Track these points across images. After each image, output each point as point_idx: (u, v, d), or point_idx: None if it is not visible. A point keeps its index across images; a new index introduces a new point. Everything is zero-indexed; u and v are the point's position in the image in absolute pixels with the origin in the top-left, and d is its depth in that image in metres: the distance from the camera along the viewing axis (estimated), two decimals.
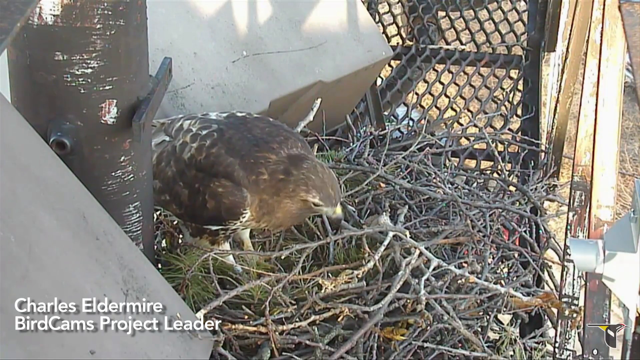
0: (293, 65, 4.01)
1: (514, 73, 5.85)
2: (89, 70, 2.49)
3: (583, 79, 3.20)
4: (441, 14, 6.29)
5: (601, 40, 2.97)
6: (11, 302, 1.90)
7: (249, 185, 3.03)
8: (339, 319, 3.11)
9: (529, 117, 5.38)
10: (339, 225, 3.23)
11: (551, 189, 4.42)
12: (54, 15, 2.40)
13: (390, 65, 5.87)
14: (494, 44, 6.02)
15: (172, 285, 2.90)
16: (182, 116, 3.32)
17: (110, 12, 2.45)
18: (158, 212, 3.40)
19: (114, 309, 2.25)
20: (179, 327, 2.54)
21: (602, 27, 2.95)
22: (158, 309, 2.47)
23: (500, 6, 6.32)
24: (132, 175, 2.75)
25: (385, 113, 5.54)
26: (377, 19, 6.08)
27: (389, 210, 3.60)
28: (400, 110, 5.88)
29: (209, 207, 3.07)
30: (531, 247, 3.93)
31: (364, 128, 4.58)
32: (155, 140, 3.25)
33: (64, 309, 2.07)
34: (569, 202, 3.24)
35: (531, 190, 4.17)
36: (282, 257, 3.21)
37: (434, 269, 3.21)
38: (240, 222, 3.08)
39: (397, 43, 6.13)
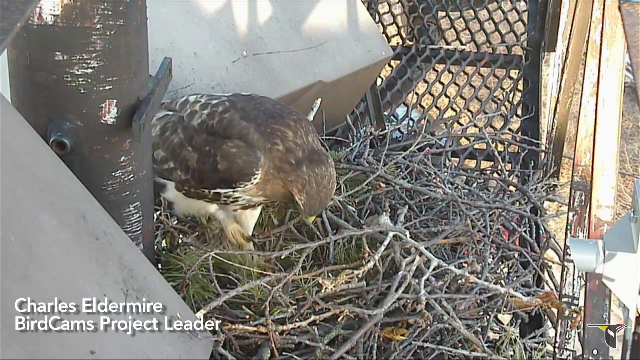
0: (293, 65, 4.00)
1: (514, 73, 5.84)
2: (89, 70, 2.49)
3: (583, 79, 3.20)
4: (441, 14, 6.28)
5: (601, 40, 2.97)
6: (11, 302, 1.90)
7: (263, 149, 3.04)
8: (339, 319, 3.11)
9: (529, 117, 5.38)
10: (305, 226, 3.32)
11: (551, 189, 4.42)
12: (54, 15, 2.40)
13: (390, 65, 5.87)
14: (494, 44, 6.01)
15: (172, 285, 2.90)
16: (186, 93, 3.34)
17: (110, 12, 2.45)
18: (158, 212, 3.40)
19: (114, 309, 2.25)
20: (179, 327, 2.54)
21: (602, 27, 2.95)
22: (158, 309, 2.47)
23: (500, 6, 6.32)
24: (132, 175, 2.75)
25: (385, 113, 5.54)
26: (377, 19, 6.07)
27: (389, 210, 3.60)
28: (400, 110, 5.88)
29: (220, 168, 3.06)
30: (531, 247, 3.93)
31: (364, 128, 4.58)
32: (157, 116, 3.23)
33: (64, 309, 2.07)
34: (569, 202, 3.24)
35: (531, 190, 4.16)
36: (282, 257, 3.21)
37: (434, 269, 3.21)
38: (251, 183, 3.07)
39: (397, 43, 6.13)
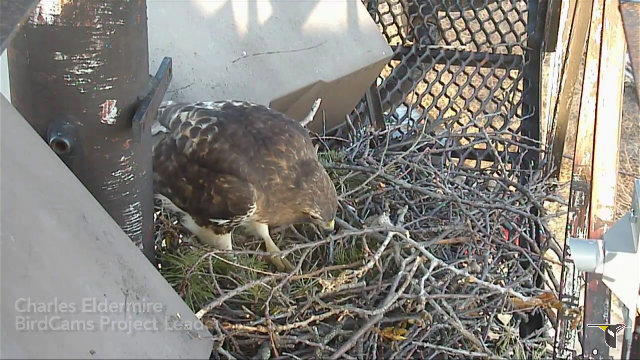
0: (293, 65, 4.00)
1: (514, 73, 5.85)
2: (89, 70, 2.49)
3: (583, 79, 3.20)
4: (441, 14, 6.29)
5: (601, 40, 2.97)
6: (11, 302, 1.90)
7: (256, 182, 3.03)
8: (339, 319, 3.11)
9: (529, 117, 5.38)
10: (328, 233, 3.31)
11: (551, 189, 4.42)
12: (54, 15, 2.40)
13: (390, 65, 5.87)
14: (494, 44, 6.02)
15: (172, 285, 2.90)
16: (177, 105, 3.29)
17: (110, 12, 2.45)
18: (158, 212, 3.40)
19: (114, 309, 2.25)
20: (179, 327, 2.54)
21: (602, 27, 2.95)
22: (158, 309, 2.47)
23: (500, 6, 6.32)
24: (132, 175, 2.75)
25: (385, 113, 5.54)
26: (377, 19, 6.08)
27: (389, 210, 3.60)
28: (400, 110, 5.88)
29: (214, 202, 3.07)
30: (531, 247, 3.93)
31: (364, 128, 4.58)
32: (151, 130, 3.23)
33: (64, 309, 2.07)
34: (569, 202, 3.24)
35: (531, 190, 4.16)
36: (282, 257, 3.21)
37: (434, 269, 3.21)
38: (247, 216, 3.09)
39: (397, 43, 6.14)
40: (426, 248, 3.32)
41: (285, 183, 3.05)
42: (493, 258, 3.69)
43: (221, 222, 3.14)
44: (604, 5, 2.95)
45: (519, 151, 4.97)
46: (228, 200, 3.04)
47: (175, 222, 3.52)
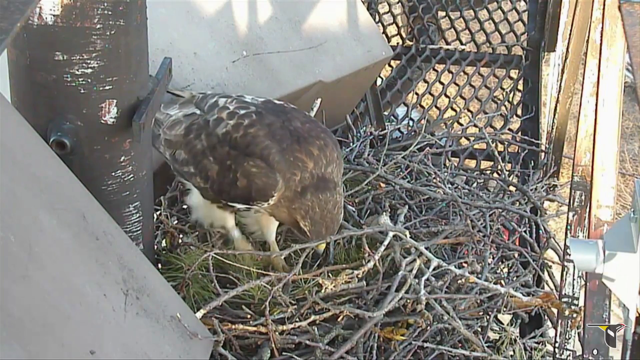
0: (293, 65, 4.00)
1: (514, 73, 5.85)
2: (89, 70, 2.49)
3: (583, 79, 3.20)
4: (441, 14, 6.29)
5: (601, 40, 2.97)
6: (11, 302, 1.90)
7: (283, 172, 3.02)
8: (339, 319, 3.10)
9: (529, 117, 5.38)
10: (318, 256, 3.28)
11: (551, 189, 4.42)
12: (54, 15, 2.40)
13: (390, 65, 5.87)
14: (494, 44, 6.02)
15: (172, 285, 2.90)
16: (216, 93, 3.29)
17: (110, 12, 2.45)
18: (158, 212, 3.40)
19: (114, 309, 2.25)
20: (179, 327, 2.54)
21: (602, 27, 2.95)
22: (158, 309, 2.48)
23: (500, 6, 6.32)
24: (132, 175, 2.75)
25: (385, 113, 5.54)
26: (377, 19, 6.08)
27: (389, 210, 3.59)
28: (400, 110, 5.88)
29: (239, 185, 3.06)
30: (531, 247, 3.93)
31: (364, 128, 4.58)
32: (184, 111, 3.22)
33: (64, 309, 2.07)
34: (569, 202, 3.24)
35: (531, 190, 4.16)
36: (282, 257, 3.21)
37: (434, 269, 3.21)
38: (268, 203, 3.07)
39: (397, 43, 6.14)
40: (426, 248, 3.32)
41: (299, 183, 3.04)
42: (493, 258, 3.69)
43: (239, 206, 3.13)
44: (604, 5, 2.95)
45: (519, 151, 4.97)
46: (253, 184, 3.03)
47: (175, 222, 3.52)
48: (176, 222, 3.55)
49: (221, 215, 3.26)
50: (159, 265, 3.27)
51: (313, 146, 3.08)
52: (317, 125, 3.22)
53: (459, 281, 3.39)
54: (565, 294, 3.28)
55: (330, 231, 3.09)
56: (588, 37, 3.26)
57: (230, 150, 3.07)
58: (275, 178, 3.02)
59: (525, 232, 4.00)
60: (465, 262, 3.57)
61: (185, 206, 3.63)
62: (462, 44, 6.07)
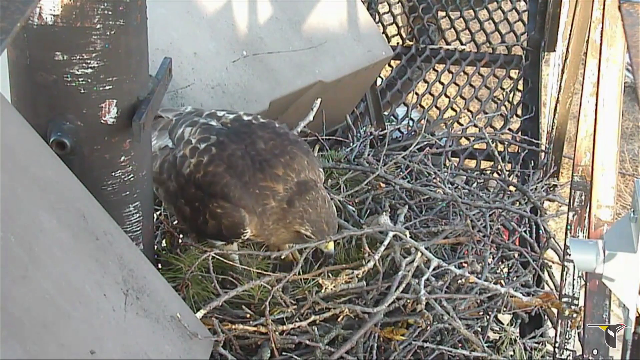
0: (293, 65, 4.00)
1: (514, 73, 5.85)
2: (89, 70, 2.49)
3: (583, 79, 3.20)
4: (441, 14, 6.29)
5: (601, 40, 2.96)
6: (11, 302, 1.90)
7: (249, 207, 3.02)
8: (339, 319, 3.11)
9: (529, 117, 5.38)
10: (331, 259, 3.25)
11: (551, 189, 4.42)
12: (54, 15, 2.40)
13: (390, 65, 5.87)
14: (494, 44, 6.02)
15: (172, 285, 2.90)
16: (186, 115, 3.27)
17: (110, 12, 2.45)
18: (158, 212, 3.40)
19: (114, 309, 2.25)
20: (179, 327, 2.54)
21: (602, 27, 2.95)
22: (158, 309, 2.47)
23: (500, 6, 6.32)
24: (132, 175, 2.75)
25: (385, 113, 5.54)
26: (377, 19, 6.08)
27: (389, 210, 3.59)
28: (400, 110, 5.88)
29: (209, 225, 3.08)
30: (531, 247, 3.93)
31: (364, 128, 4.58)
32: (159, 143, 3.23)
33: (64, 309, 2.07)
34: (569, 202, 3.24)
35: (531, 190, 4.16)
36: (282, 257, 3.21)
37: (434, 269, 3.21)
38: (242, 240, 3.10)
39: (397, 43, 6.14)
40: (426, 248, 3.32)
41: (279, 205, 3.03)
42: (493, 258, 3.69)
43: (219, 243, 3.16)
44: (604, 5, 2.95)
45: (519, 151, 4.97)
46: (222, 224, 3.05)
47: (175, 222, 3.52)
48: (176, 222, 3.55)
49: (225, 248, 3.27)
50: (159, 265, 3.26)
51: (277, 168, 3.06)
52: (285, 137, 3.18)
53: (459, 281, 3.39)
54: (565, 294, 3.28)
55: (331, 226, 3.07)
56: (588, 37, 3.26)
57: (196, 191, 3.09)
58: (241, 215, 3.03)
59: (525, 232, 4.00)
60: (465, 262, 3.57)
61: None
62: (462, 44, 6.07)
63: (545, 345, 3.68)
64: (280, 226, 3.06)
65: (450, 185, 3.93)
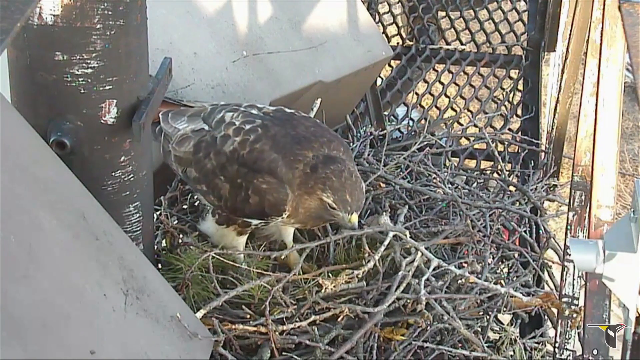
0: (293, 65, 4.00)
1: (514, 73, 5.85)
2: (89, 70, 2.49)
3: (583, 79, 3.20)
4: (441, 14, 6.29)
5: (601, 40, 2.97)
6: (11, 302, 1.90)
7: (289, 181, 3.02)
8: (339, 319, 3.10)
9: (529, 117, 5.39)
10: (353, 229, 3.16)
11: (551, 189, 4.41)
12: (54, 15, 2.40)
13: (390, 65, 5.87)
14: (494, 44, 6.02)
15: (172, 285, 2.90)
16: (222, 105, 3.29)
17: (110, 12, 2.45)
18: (158, 212, 3.40)
19: (114, 309, 2.25)
20: (179, 327, 2.54)
21: (602, 27, 2.95)
22: (158, 309, 2.47)
23: (500, 6, 6.32)
24: (132, 175, 2.75)
25: (385, 113, 5.54)
26: (377, 19, 6.08)
27: (389, 210, 3.59)
28: (400, 110, 5.88)
29: (251, 202, 3.06)
30: (531, 247, 3.92)
31: (364, 128, 4.58)
32: (192, 126, 3.22)
33: (64, 309, 2.07)
34: (569, 202, 3.24)
35: (531, 190, 4.16)
36: (282, 257, 3.21)
37: (434, 269, 3.20)
38: (282, 217, 3.07)
39: (397, 43, 6.14)
40: (426, 248, 3.32)
41: (304, 170, 3.03)
42: (493, 258, 3.68)
43: (255, 222, 3.14)
44: (604, 5, 2.95)
45: (519, 151, 4.97)
46: (266, 201, 3.04)
47: (175, 222, 3.52)
48: (176, 222, 3.55)
49: (235, 241, 3.26)
50: (159, 265, 3.27)
51: (314, 142, 3.09)
52: (325, 130, 3.23)
53: (459, 281, 3.39)
54: (565, 294, 3.27)
55: (355, 199, 2.99)
56: (588, 37, 3.26)
57: (239, 168, 3.08)
58: (285, 191, 3.02)
59: (525, 232, 3.99)
60: (465, 262, 3.57)
61: (185, 206, 3.63)
62: (462, 44, 6.07)
63: (545, 345, 3.68)
64: (303, 192, 3.02)
65: (450, 185, 3.93)
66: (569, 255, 3.17)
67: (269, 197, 3.03)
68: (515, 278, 3.73)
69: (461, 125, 5.01)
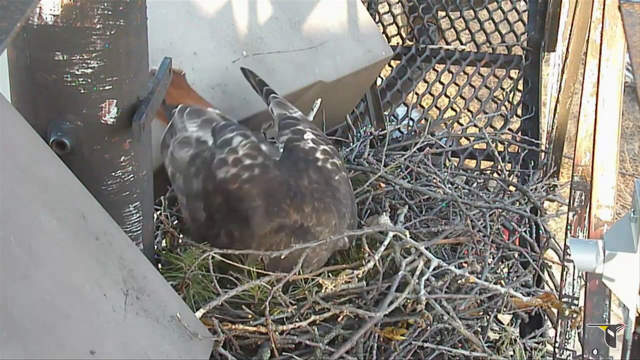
0: (293, 65, 4.00)
1: (514, 73, 5.85)
2: (89, 70, 2.49)
3: (583, 79, 3.20)
4: (441, 14, 6.29)
5: (601, 40, 2.97)
6: (11, 302, 1.90)
7: (259, 234, 3.04)
8: (339, 319, 3.10)
9: (529, 117, 5.38)
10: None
11: (551, 189, 4.42)
12: (54, 15, 2.40)
13: (390, 65, 5.87)
14: (494, 44, 6.02)
15: (172, 285, 2.90)
16: (237, 126, 3.24)
17: (110, 12, 2.45)
18: (158, 212, 3.40)
19: (113, 309, 2.25)
20: (179, 327, 2.54)
21: (602, 27, 2.95)
22: (158, 309, 2.47)
23: (500, 6, 6.32)
24: (132, 175, 2.75)
25: (385, 113, 5.54)
26: (377, 19, 6.08)
27: (389, 210, 3.59)
28: (400, 110, 5.88)
29: (220, 241, 3.08)
30: (531, 247, 3.93)
31: (364, 128, 4.58)
32: (199, 134, 3.20)
33: (64, 309, 2.07)
34: (569, 202, 3.24)
35: (531, 190, 4.16)
36: (282, 257, 3.21)
37: (434, 269, 3.20)
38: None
39: (397, 43, 6.14)
40: (426, 248, 3.32)
41: (277, 226, 3.04)
42: (493, 258, 3.69)
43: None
44: (604, 5, 2.95)
45: (519, 151, 4.97)
46: (234, 246, 3.05)
47: (176, 222, 3.52)
48: (176, 222, 3.55)
49: None
50: (159, 265, 3.26)
51: (308, 205, 3.07)
52: (332, 189, 3.15)
53: (459, 281, 3.39)
54: (565, 294, 3.28)
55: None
56: (588, 37, 3.26)
57: (221, 202, 3.07)
58: (252, 246, 3.03)
59: (525, 232, 4.00)
60: (465, 262, 3.57)
61: None
62: (462, 44, 6.07)
63: (545, 345, 3.68)
64: (265, 245, 3.05)
65: (450, 185, 3.93)
66: (569, 255, 3.17)
67: (237, 244, 3.04)
68: (515, 278, 3.73)
69: (461, 125, 5.01)
